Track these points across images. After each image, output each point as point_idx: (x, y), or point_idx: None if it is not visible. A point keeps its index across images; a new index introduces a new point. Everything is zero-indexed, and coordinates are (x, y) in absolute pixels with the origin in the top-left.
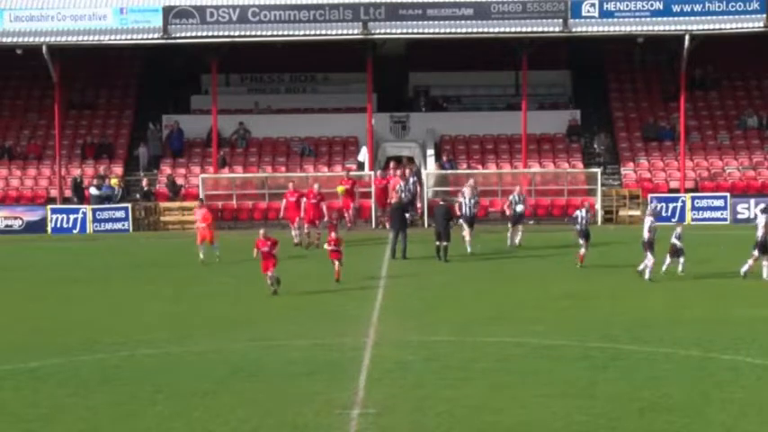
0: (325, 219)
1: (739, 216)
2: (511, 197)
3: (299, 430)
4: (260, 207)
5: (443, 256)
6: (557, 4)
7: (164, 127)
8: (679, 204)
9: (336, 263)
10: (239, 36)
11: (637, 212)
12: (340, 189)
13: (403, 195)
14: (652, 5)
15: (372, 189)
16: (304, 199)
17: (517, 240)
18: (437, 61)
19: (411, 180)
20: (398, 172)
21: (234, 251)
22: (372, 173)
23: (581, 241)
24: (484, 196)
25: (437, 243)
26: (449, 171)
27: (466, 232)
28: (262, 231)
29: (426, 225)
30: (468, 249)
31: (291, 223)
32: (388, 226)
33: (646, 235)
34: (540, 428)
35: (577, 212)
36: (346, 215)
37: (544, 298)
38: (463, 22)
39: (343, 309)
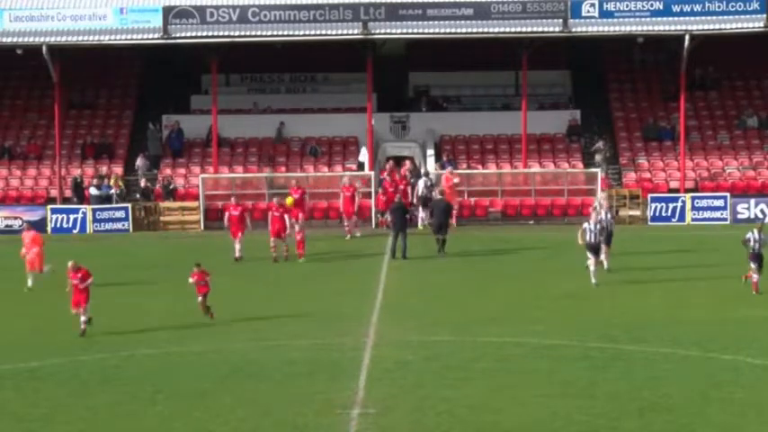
0: (288, 231)
1: (739, 216)
2: (601, 219)
3: (299, 430)
4: (260, 207)
5: (441, 248)
6: (557, 4)
7: (164, 127)
8: (679, 204)
9: (201, 297)
10: (239, 36)
11: (637, 212)
12: (289, 200)
13: (425, 192)
14: (652, 5)
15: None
16: (269, 212)
17: (606, 263)
18: (437, 61)
19: (427, 181)
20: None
21: (230, 252)
22: (372, 173)
23: (752, 265)
24: (484, 196)
25: (436, 236)
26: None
27: (603, 252)
28: (71, 263)
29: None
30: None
31: (234, 236)
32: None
33: None
34: (540, 428)
35: (749, 234)
36: (297, 226)
37: (544, 298)
38: (463, 22)
39: (343, 309)
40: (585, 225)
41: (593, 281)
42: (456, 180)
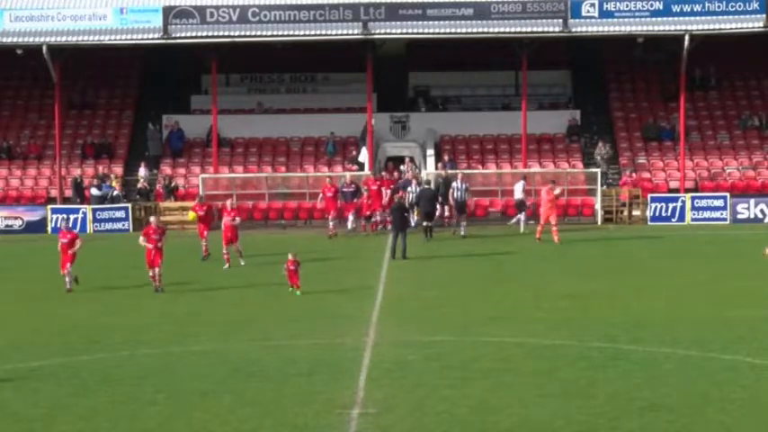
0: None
1: (739, 216)
2: None
3: (299, 430)
4: (260, 207)
5: (429, 235)
6: (557, 4)
7: (164, 127)
8: (679, 204)
9: None
10: (239, 36)
11: (637, 212)
12: (191, 216)
13: (459, 195)
14: (652, 5)
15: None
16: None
17: None
18: (437, 61)
19: (463, 185)
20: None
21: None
22: (371, 173)
23: None
24: (483, 196)
25: (424, 223)
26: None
27: None
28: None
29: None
30: None
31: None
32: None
33: None
34: (540, 428)
35: None
36: (204, 243)
37: (544, 298)
38: (463, 22)
39: (343, 309)
40: None
41: None
42: (557, 191)
